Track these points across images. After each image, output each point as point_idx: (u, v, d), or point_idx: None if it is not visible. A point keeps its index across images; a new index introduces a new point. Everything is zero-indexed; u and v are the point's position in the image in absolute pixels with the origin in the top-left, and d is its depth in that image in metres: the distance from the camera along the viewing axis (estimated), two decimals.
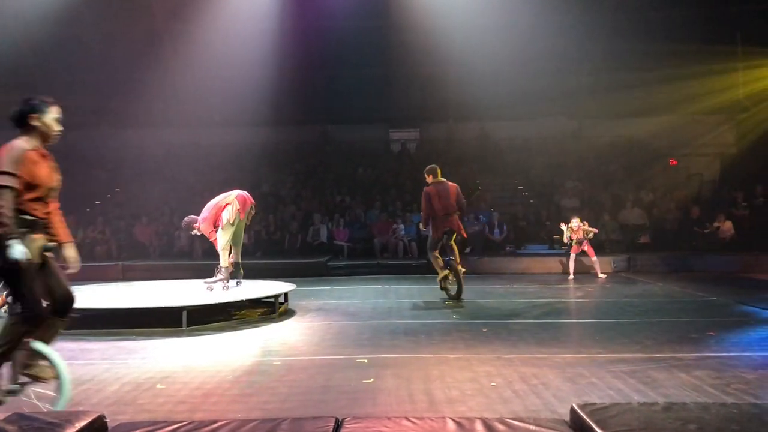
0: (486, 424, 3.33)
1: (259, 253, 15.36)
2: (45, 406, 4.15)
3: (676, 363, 5.53)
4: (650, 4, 18.26)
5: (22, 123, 4.21)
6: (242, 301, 8.29)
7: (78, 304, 7.80)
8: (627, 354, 5.95)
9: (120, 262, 14.39)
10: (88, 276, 12.75)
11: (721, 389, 4.74)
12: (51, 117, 4.26)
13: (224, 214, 8.64)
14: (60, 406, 4.08)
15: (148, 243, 16.02)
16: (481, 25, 17.42)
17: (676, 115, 18.59)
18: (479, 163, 19.35)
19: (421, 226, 10.02)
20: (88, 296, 8.51)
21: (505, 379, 5.12)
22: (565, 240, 12.87)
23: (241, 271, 9.00)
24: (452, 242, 9.54)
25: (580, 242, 12.62)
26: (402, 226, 15.72)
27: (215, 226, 8.69)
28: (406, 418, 3.47)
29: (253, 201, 8.92)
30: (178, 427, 3.36)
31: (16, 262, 3.88)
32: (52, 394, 4.20)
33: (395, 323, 7.79)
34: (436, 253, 9.57)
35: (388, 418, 3.53)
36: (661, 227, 15.91)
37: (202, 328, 7.55)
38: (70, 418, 3.30)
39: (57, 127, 4.29)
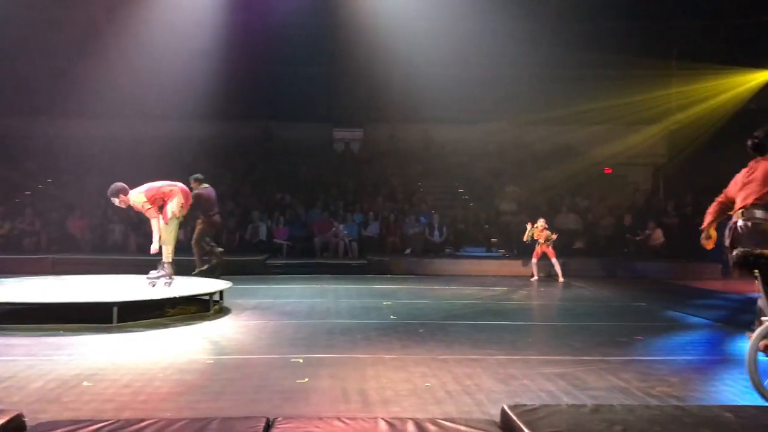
0: (418, 424, 3.34)
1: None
2: None
3: (605, 366, 5.67)
4: (590, 16, 18.72)
5: None
6: (176, 298, 8.10)
7: (2, 297, 7.57)
8: (558, 356, 6.08)
9: (50, 255, 13.89)
10: (15, 269, 12.31)
11: (646, 391, 4.89)
12: None
13: (169, 206, 8.37)
14: None
15: (80, 236, 15.50)
16: (427, 28, 17.52)
17: (612, 124, 19.13)
18: (421, 165, 19.48)
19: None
20: (13, 289, 8.19)
21: (439, 380, 5.15)
22: (525, 238, 12.94)
23: (173, 268, 8.73)
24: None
25: (539, 243, 12.71)
26: (342, 226, 15.69)
27: (152, 204, 8.33)
28: (338, 419, 3.45)
29: (191, 200, 8.73)
30: (102, 426, 3.25)
31: None
32: None
33: (332, 323, 7.76)
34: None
35: (320, 419, 3.51)
36: (595, 233, 16.34)
37: (133, 325, 7.33)
38: None
39: None
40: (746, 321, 8.28)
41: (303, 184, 18.52)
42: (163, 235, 8.42)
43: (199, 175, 11.05)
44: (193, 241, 10.94)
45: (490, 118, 19.91)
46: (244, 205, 16.97)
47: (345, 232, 15.57)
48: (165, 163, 17.75)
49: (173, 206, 8.39)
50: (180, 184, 8.60)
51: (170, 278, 8.51)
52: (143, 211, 8.45)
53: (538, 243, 12.77)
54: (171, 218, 8.39)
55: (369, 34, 17.49)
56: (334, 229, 15.66)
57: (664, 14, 18.73)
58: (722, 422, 3.41)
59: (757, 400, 4.71)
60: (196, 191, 10.37)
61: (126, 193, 8.39)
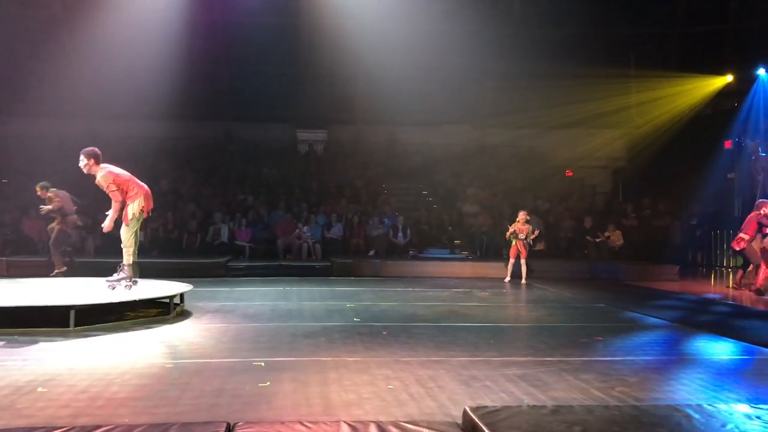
0: (380, 427, 3.34)
1: (156, 252, 14.84)
2: None
3: (566, 366, 5.74)
4: (552, 23, 18.99)
5: None
6: (135, 301, 7.95)
7: None
8: (520, 357, 6.13)
9: (5, 258, 13.53)
10: None
11: (606, 392, 4.96)
12: None
13: (130, 208, 8.12)
14: None
15: (36, 238, 15.12)
16: (391, 30, 17.56)
17: (573, 128, 19.44)
18: (385, 166, 19.51)
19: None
20: None
21: (401, 382, 5.15)
22: (508, 235, 12.96)
23: (137, 271, 8.52)
24: None
25: (518, 239, 12.70)
26: (306, 228, 15.62)
27: (119, 191, 8.08)
28: (300, 422, 3.44)
29: (152, 204, 8.54)
30: None
31: None
32: None
33: (295, 326, 7.70)
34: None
35: (282, 423, 3.48)
36: (556, 235, 16.56)
37: (92, 329, 7.18)
38: None
39: None
40: (702, 321, 8.51)
41: (266, 185, 18.39)
42: (123, 237, 8.23)
43: (45, 183, 11.38)
44: (51, 243, 11.34)
45: (453, 121, 20.06)
46: (205, 207, 16.77)
47: (308, 233, 15.50)
48: (124, 163, 17.44)
49: (134, 208, 8.16)
50: (145, 186, 8.39)
51: (131, 281, 8.31)
52: (106, 190, 8.14)
53: (516, 239, 12.77)
54: (131, 219, 8.17)
55: (333, 35, 17.47)
56: (297, 230, 15.58)
57: (620, 22, 19.11)
58: (678, 422, 3.49)
59: (714, 399, 4.83)
60: (50, 195, 11.04)
61: (97, 163, 8.15)
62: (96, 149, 8.23)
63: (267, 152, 20.04)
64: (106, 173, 8.10)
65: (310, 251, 15.29)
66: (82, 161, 8.14)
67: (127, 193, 8.16)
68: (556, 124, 19.27)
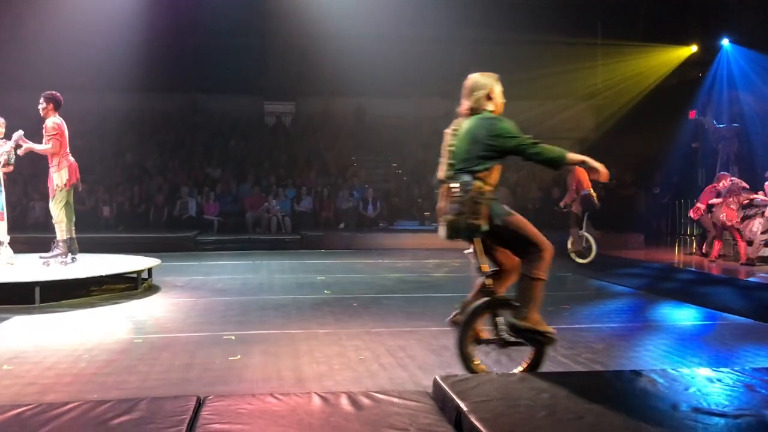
0: (351, 398, 3.35)
1: (122, 227, 14.67)
2: None
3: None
4: None
5: None
6: (102, 276, 7.85)
7: None
8: (489, 326, 6.18)
9: None
10: None
11: (573, 359, 5.05)
12: None
13: (55, 177, 7.85)
14: None
15: None
16: (359, 0, 17.35)
17: (540, 99, 19.47)
18: (355, 139, 19.40)
19: None
20: None
21: (372, 353, 5.18)
22: None
23: (76, 246, 8.24)
24: None
25: None
26: (275, 201, 15.51)
27: (56, 143, 7.83)
28: (271, 395, 3.44)
29: (79, 176, 8.18)
30: (24, 411, 3.15)
31: None
32: None
33: (265, 299, 7.69)
34: None
35: (253, 396, 3.48)
36: (524, 206, 16.69)
37: (57, 305, 7.08)
38: None
39: None
40: (667, 288, 8.68)
41: (233, 158, 18.18)
42: (53, 213, 7.97)
43: None
44: None
45: (422, 93, 19.96)
46: (172, 180, 16.54)
47: (277, 207, 15.41)
48: (88, 136, 17.10)
49: (61, 178, 7.86)
50: (73, 159, 8.10)
51: (66, 257, 8.05)
52: (46, 134, 7.89)
53: None
54: (57, 191, 7.88)
55: (300, 5, 17.20)
56: (266, 204, 15.47)
57: None
58: (643, 386, 3.56)
59: (677, 364, 4.94)
60: None
61: (55, 108, 7.97)
62: (59, 96, 8.04)
63: (234, 125, 19.78)
64: (59, 122, 7.92)
65: (279, 225, 15.22)
66: (41, 104, 7.94)
67: (59, 154, 7.88)
68: (522, 95, 19.27)
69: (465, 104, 4.24)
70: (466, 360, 4.14)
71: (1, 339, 5.66)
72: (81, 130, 17.49)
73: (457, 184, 4.01)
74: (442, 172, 4.22)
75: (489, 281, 4.14)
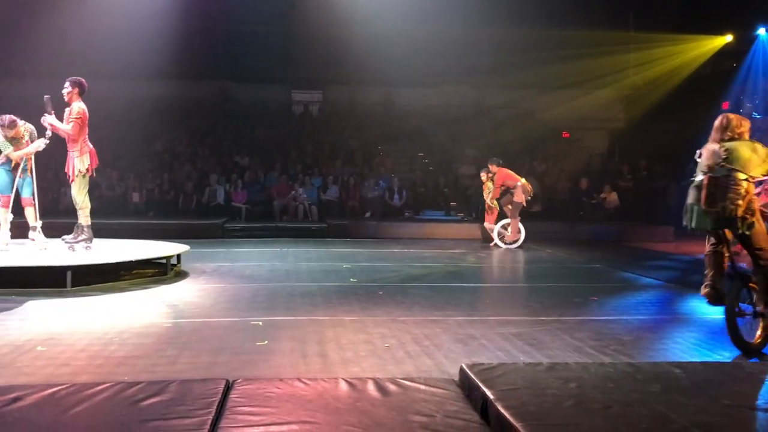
0: (378, 384, 3.37)
1: (152, 213, 14.85)
2: None
3: (561, 326, 5.79)
4: None
5: None
6: (132, 261, 7.97)
7: None
8: (515, 317, 6.18)
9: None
10: None
11: (600, 350, 5.01)
12: None
13: (77, 162, 7.90)
14: None
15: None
16: None
17: (570, 89, 19.27)
18: (381, 128, 19.38)
19: None
20: None
21: (398, 341, 5.20)
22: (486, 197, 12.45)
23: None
24: None
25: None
26: (301, 189, 15.58)
27: (75, 125, 7.86)
28: (299, 379, 3.47)
29: (97, 163, 8.24)
30: (58, 390, 3.22)
31: None
32: None
33: (292, 286, 7.74)
34: None
35: (280, 380, 3.52)
36: (552, 196, 16.57)
37: (88, 289, 7.21)
38: None
39: None
40: (696, 282, 8.55)
41: (261, 146, 18.29)
42: (75, 199, 8.05)
43: None
44: None
45: (450, 82, 19.86)
46: (201, 168, 16.70)
47: (304, 195, 15.48)
48: (119, 124, 17.32)
49: (83, 164, 7.91)
50: (92, 146, 8.14)
51: (90, 242, 8.12)
52: (69, 116, 7.93)
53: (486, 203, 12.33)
54: (79, 177, 7.94)
55: None
56: (293, 192, 15.55)
57: None
58: (672, 378, 3.53)
59: (707, 357, 4.88)
60: None
61: (80, 93, 8.01)
62: (84, 81, 8.08)
63: (262, 113, 19.88)
64: (84, 108, 7.98)
65: (306, 213, 15.29)
66: (66, 88, 8.00)
67: (78, 140, 7.94)
68: (554, 85, 19.12)
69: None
70: (734, 331, 4.83)
71: (34, 321, 5.78)
72: (112, 117, 17.76)
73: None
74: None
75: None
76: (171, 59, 17.20)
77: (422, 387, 3.36)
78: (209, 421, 2.86)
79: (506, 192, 11.99)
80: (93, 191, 14.16)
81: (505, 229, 12.25)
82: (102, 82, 18.35)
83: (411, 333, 5.44)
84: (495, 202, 12.17)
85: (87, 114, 8.03)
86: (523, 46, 18.83)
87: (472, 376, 3.44)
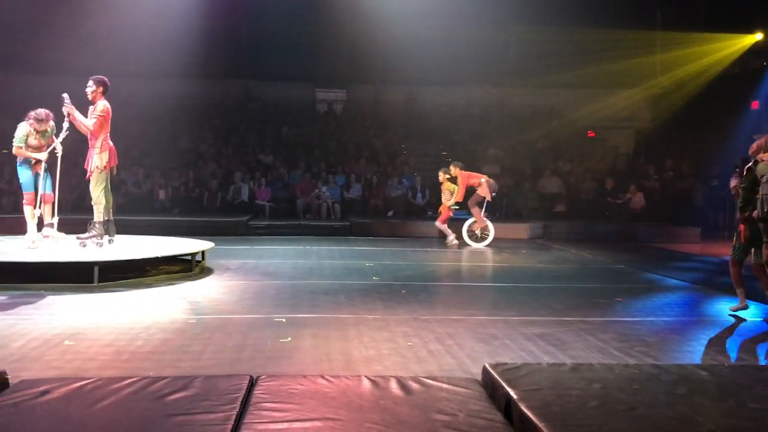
0: (400, 382, 3.37)
1: (177, 210, 14.98)
2: None
3: (585, 326, 5.75)
4: None
5: None
6: (158, 258, 8.06)
7: None
8: (539, 317, 6.15)
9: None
10: None
11: (625, 351, 4.97)
12: None
13: (96, 159, 7.93)
14: None
15: (60, 196, 15.28)
16: None
17: (595, 88, 19.12)
18: (405, 127, 19.38)
19: None
20: None
21: (421, 340, 5.20)
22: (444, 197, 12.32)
23: (113, 228, 8.38)
24: None
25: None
26: (325, 188, 15.63)
27: (97, 123, 7.93)
28: (322, 377, 3.48)
29: (117, 161, 8.28)
30: (85, 384, 3.26)
31: None
32: None
33: (315, 283, 7.77)
34: None
35: (304, 377, 3.53)
36: (577, 196, 16.44)
37: (115, 285, 7.30)
38: None
39: None
40: (722, 283, 8.44)
41: (285, 145, 18.38)
42: (92, 194, 8.11)
43: None
44: None
45: (473, 81, 19.79)
46: (225, 166, 16.82)
47: (327, 193, 15.53)
48: (144, 122, 17.52)
49: (101, 160, 7.93)
50: (112, 144, 8.15)
51: (101, 239, 8.14)
52: (93, 113, 8.01)
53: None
54: (96, 173, 7.96)
55: None
56: (316, 190, 15.61)
57: None
58: (697, 380, 3.49)
59: (733, 359, 4.82)
60: None
61: (104, 92, 8.07)
62: (107, 80, 8.16)
63: (286, 111, 19.96)
64: (108, 106, 8.04)
65: (329, 211, 15.34)
66: (90, 87, 8.05)
67: (99, 136, 7.98)
68: (579, 84, 18.95)
69: None
70: None
71: (63, 316, 5.87)
72: (137, 115, 17.98)
73: None
74: None
75: None
76: (196, 58, 17.36)
77: (445, 386, 3.36)
78: (233, 417, 2.88)
79: (472, 192, 12.15)
80: (119, 188, 14.42)
81: (473, 227, 12.37)
82: (127, 80, 18.61)
83: (434, 332, 5.44)
84: (455, 204, 12.23)
85: (110, 112, 8.12)
86: (548, 45, 18.73)
87: (496, 375, 3.43)
